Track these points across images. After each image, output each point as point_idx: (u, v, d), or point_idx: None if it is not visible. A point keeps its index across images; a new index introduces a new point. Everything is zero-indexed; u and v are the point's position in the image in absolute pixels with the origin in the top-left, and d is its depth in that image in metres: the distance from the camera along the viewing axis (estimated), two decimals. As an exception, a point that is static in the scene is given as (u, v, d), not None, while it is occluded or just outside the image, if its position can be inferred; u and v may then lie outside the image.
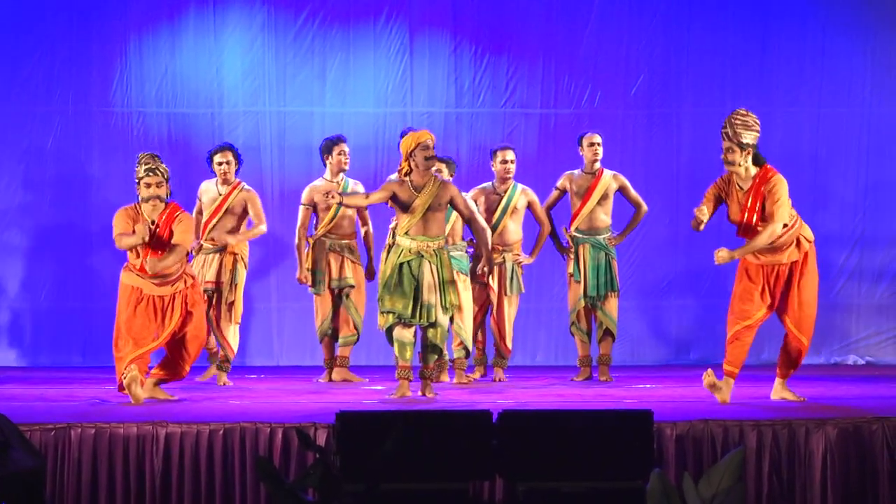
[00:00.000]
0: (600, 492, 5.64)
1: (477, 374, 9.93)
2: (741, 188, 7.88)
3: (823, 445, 6.70)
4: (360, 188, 9.79)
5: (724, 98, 11.78)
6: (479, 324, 9.88)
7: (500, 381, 9.77)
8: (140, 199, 8.20)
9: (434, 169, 9.22)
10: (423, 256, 8.29)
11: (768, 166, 7.92)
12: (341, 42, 11.81)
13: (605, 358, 9.86)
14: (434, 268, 8.29)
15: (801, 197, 11.90)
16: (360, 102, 11.81)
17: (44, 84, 11.67)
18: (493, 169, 9.91)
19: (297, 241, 9.72)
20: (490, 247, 9.05)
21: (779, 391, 8.12)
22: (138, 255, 8.16)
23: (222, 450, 6.66)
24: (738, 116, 7.84)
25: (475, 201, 9.82)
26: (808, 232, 7.96)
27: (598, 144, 9.90)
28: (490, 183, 9.91)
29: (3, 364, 11.48)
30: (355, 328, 9.75)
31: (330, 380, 9.76)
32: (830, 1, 11.98)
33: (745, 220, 7.85)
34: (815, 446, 6.70)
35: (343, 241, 9.71)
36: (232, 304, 9.57)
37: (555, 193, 10.00)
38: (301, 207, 9.72)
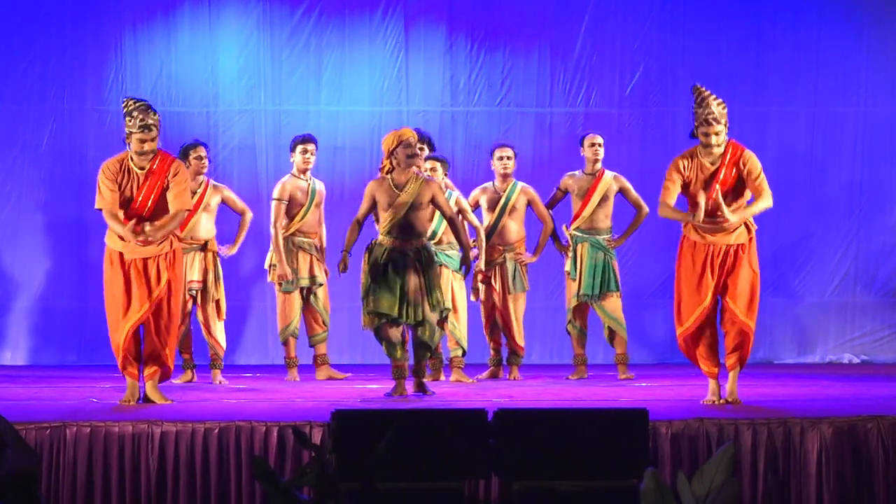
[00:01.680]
0: (596, 490, 5.65)
1: (486, 375, 9.91)
2: (708, 164, 7.74)
3: (819, 444, 6.70)
4: (321, 186, 9.78)
5: (720, 97, 11.75)
6: (492, 325, 9.87)
7: (515, 379, 9.77)
8: (132, 150, 7.86)
9: (428, 168, 9.26)
10: (407, 255, 8.27)
11: (733, 140, 7.81)
12: (337, 40, 11.81)
13: (620, 357, 9.82)
14: (418, 266, 8.27)
15: (797, 195, 11.96)
16: (355, 101, 11.81)
17: (38, 82, 11.67)
18: (492, 168, 9.91)
19: (273, 236, 9.64)
20: (470, 246, 9.04)
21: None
22: (126, 217, 7.84)
23: (217, 448, 6.66)
24: (713, 97, 7.81)
25: (477, 201, 9.84)
26: (751, 219, 7.78)
27: (599, 145, 9.88)
28: (491, 182, 9.91)
29: (-1, 363, 11.50)
30: (324, 324, 9.79)
31: (295, 378, 9.75)
32: (824, 0, 11.99)
33: (714, 195, 7.63)
34: (811, 445, 6.70)
35: (310, 239, 9.71)
36: (218, 301, 9.61)
37: (556, 193, 9.98)
38: (273, 202, 9.69)
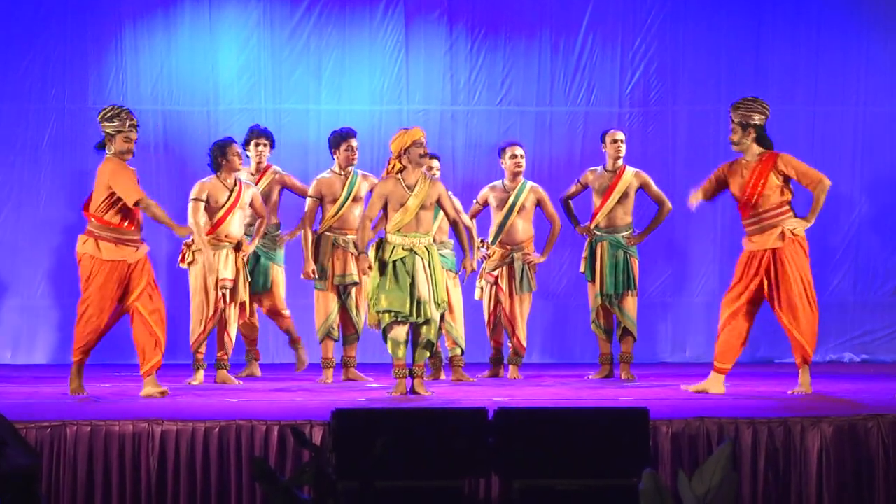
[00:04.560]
0: (597, 489, 5.65)
1: (488, 373, 9.93)
2: (745, 169, 8.36)
3: (819, 443, 6.70)
4: (373, 179, 9.57)
5: (720, 96, 11.79)
6: (494, 324, 9.87)
7: (514, 378, 9.78)
8: (114, 151, 8.27)
9: (425, 167, 9.33)
10: (415, 253, 8.29)
11: (774, 151, 8.38)
12: (337, 39, 11.81)
13: (625, 356, 9.80)
14: (426, 264, 8.30)
15: (796, 195, 11.95)
16: (355, 100, 11.81)
17: (39, 81, 11.67)
18: (502, 166, 9.88)
19: (302, 234, 9.55)
20: (475, 246, 9.03)
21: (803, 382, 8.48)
22: (130, 220, 8.27)
23: (218, 447, 6.66)
24: (745, 101, 8.46)
25: (486, 199, 9.84)
26: (793, 225, 8.38)
27: (621, 141, 9.81)
28: (500, 181, 9.89)
29: (-1, 362, 11.51)
30: (354, 327, 9.63)
31: (328, 380, 9.62)
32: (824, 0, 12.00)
33: (745, 196, 8.32)
34: (811, 444, 6.71)
35: (348, 236, 9.50)
36: (243, 303, 9.37)
37: (576, 186, 9.91)
38: (308, 199, 9.57)
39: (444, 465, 5.69)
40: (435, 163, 9.52)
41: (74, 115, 11.71)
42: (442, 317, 9.42)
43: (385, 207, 8.35)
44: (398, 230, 8.29)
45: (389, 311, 8.22)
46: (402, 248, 8.28)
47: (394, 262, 8.25)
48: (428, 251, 8.33)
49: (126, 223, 8.25)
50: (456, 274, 9.62)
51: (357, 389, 8.96)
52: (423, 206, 8.31)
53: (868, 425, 6.75)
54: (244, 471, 6.64)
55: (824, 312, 11.89)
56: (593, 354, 10.17)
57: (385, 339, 8.37)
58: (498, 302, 9.80)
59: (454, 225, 8.58)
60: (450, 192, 9.64)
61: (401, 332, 8.30)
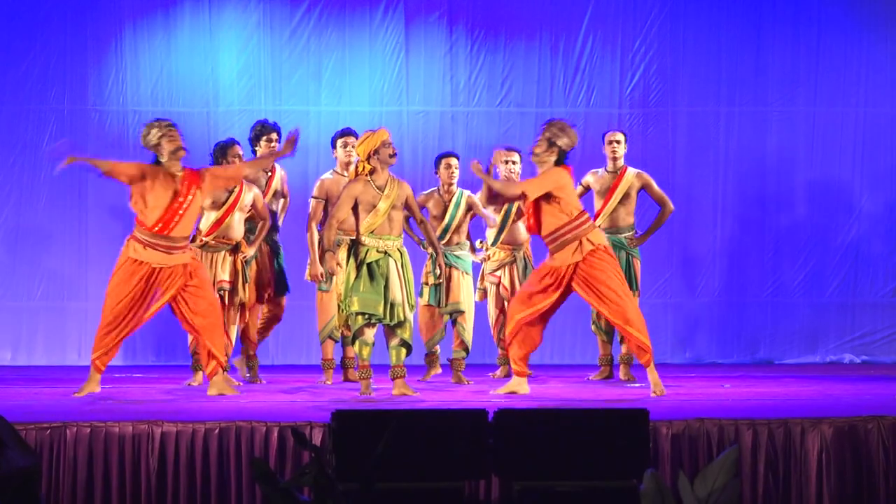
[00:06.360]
0: (597, 490, 5.65)
1: (499, 373, 9.95)
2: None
3: (819, 444, 6.70)
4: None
5: (720, 97, 11.81)
6: (502, 324, 9.88)
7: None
8: (166, 153, 8.40)
9: (444, 166, 9.45)
10: (389, 256, 8.31)
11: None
12: (337, 41, 11.82)
13: (625, 357, 9.79)
14: (399, 266, 8.33)
15: (797, 195, 11.97)
16: (355, 101, 11.81)
17: (39, 83, 11.68)
18: (497, 169, 9.89)
19: (308, 235, 9.51)
20: (441, 250, 9.00)
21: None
22: (162, 223, 8.32)
23: (218, 449, 6.66)
24: (561, 124, 8.55)
25: (480, 202, 9.86)
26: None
27: (616, 142, 9.80)
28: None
29: (-1, 363, 11.51)
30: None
31: (328, 381, 9.63)
32: (824, 1, 11.99)
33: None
34: (811, 445, 6.70)
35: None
36: (244, 304, 9.39)
37: (579, 189, 9.93)
38: (312, 200, 9.54)
39: (445, 467, 5.69)
40: (454, 161, 9.70)
41: (74, 117, 11.71)
42: (455, 319, 9.45)
43: (355, 209, 8.37)
44: (371, 232, 8.32)
45: (362, 314, 8.24)
46: (377, 251, 8.31)
47: (368, 264, 8.27)
48: (400, 253, 8.38)
49: (155, 226, 8.31)
50: (470, 275, 9.65)
51: (357, 390, 8.96)
52: (393, 207, 8.35)
53: (868, 426, 6.75)
54: (244, 472, 6.64)
55: (825, 313, 11.98)
56: (593, 355, 10.18)
57: (352, 340, 8.41)
58: (505, 302, 9.81)
59: (421, 225, 8.67)
60: (468, 191, 9.70)
61: (370, 334, 8.34)
